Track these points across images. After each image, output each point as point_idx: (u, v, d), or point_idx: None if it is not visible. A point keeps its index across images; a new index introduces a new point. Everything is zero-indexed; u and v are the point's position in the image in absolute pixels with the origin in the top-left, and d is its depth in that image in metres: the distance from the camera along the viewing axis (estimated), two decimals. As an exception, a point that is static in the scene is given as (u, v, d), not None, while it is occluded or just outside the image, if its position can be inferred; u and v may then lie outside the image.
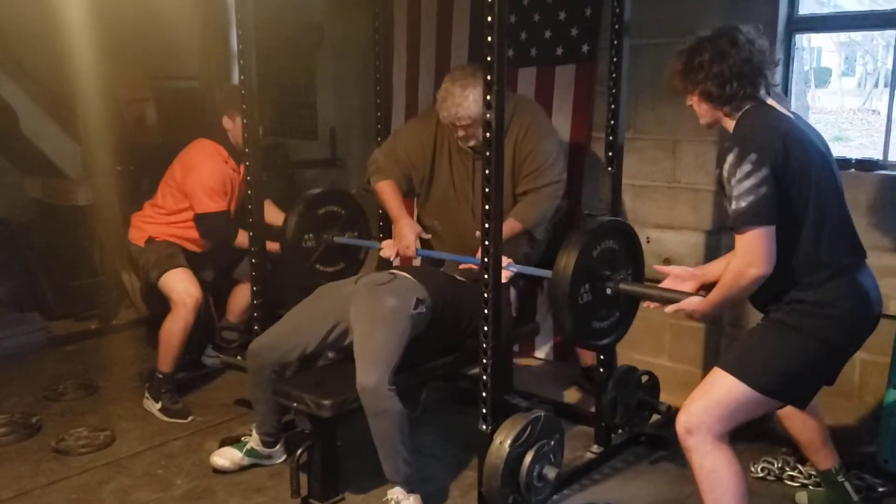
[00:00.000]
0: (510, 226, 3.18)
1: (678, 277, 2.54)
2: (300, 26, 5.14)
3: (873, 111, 9.38)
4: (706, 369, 3.78)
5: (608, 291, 2.67)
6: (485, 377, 2.71)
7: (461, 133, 3.28)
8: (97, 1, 4.00)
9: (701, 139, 3.63)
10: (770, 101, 2.35)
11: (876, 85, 9.96)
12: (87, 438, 3.45)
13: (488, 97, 2.50)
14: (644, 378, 3.29)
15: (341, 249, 3.68)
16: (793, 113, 2.41)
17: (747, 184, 2.17)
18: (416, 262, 3.69)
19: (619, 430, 3.31)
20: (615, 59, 3.04)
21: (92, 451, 3.36)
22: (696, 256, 3.68)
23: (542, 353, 4.28)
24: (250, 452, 3.18)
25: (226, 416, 3.68)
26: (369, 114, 4.30)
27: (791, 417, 2.67)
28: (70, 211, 4.90)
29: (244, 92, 3.27)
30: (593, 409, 3.33)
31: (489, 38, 2.47)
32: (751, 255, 2.20)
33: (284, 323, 3.11)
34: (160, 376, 3.71)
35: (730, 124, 2.37)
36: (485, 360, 2.70)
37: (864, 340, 2.40)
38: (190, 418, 3.65)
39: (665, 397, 3.39)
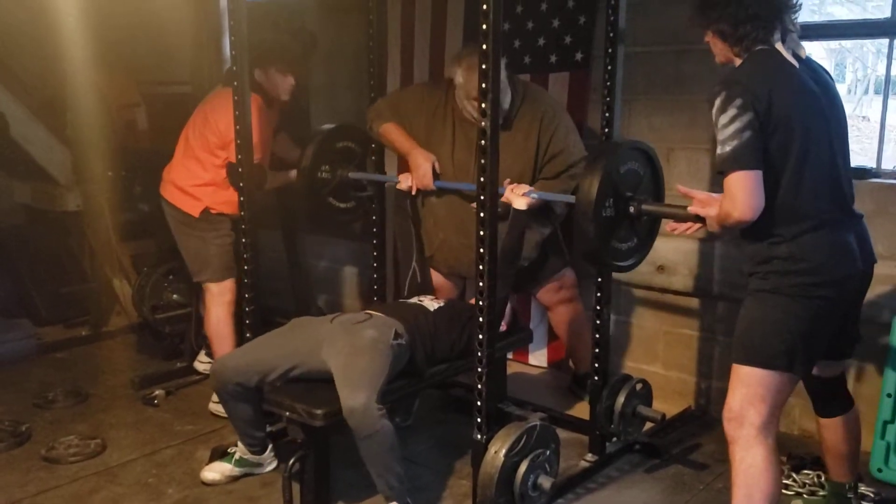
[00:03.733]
0: (540, 186, 3.29)
1: (701, 202, 2.51)
2: (292, 32, 5.11)
3: (864, 118, 9.42)
4: (700, 377, 3.80)
5: (631, 210, 2.74)
6: (479, 386, 2.70)
7: (473, 107, 3.25)
8: (88, 5, 3.98)
9: (694, 147, 3.64)
10: (779, 47, 2.31)
11: (866, 91, 10.01)
12: (77, 447, 3.42)
13: (483, 105, 2.50)
14: (638, 386, 3.29)
15: (355, 187, 3.80)
16: (804, 59, 2.36)
17: (732, 128, 2.18)
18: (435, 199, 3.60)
19: (614, 439, 3.30)
20: (609, 67, 3.04)
21: (82, 459, 3.33)
22: (689, 264, 3.69)
23: (536, 360, 4.27)
24: (240, 462, 3.16)
25: (217, 424, 3.65)
26: (362, 118, 4.29)
27: (828, 427, 2.64)
28: (60, 216, 4.87)
29: (237, 98, 3.25)
30: (588, 418, 3.32)
31: (484, 46, 2.47)
32: (733, 199, 2.20)
33: (252, 349, 3.08)
34: None
35: (737, 65, 2.36)
36: (479, 369, 2.69)
37: (848, 293, 2.36)
38: None
39: (659, 405, 3.38)
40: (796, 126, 2.22)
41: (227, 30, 3.27)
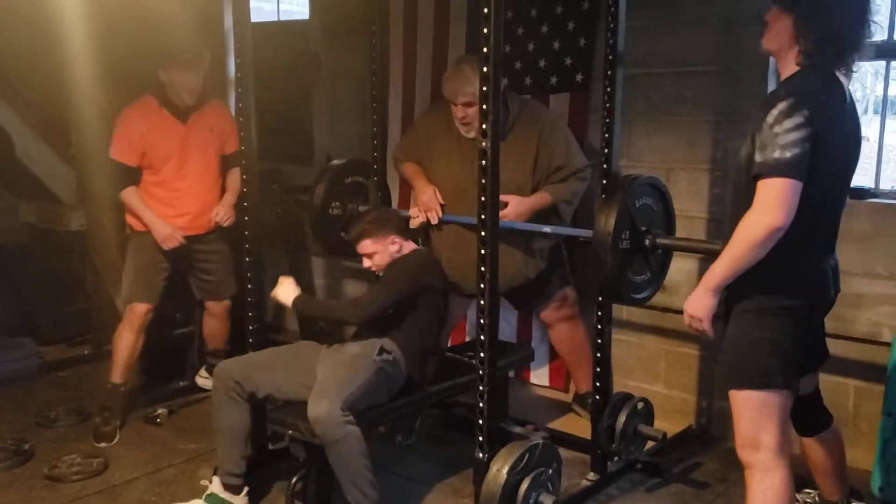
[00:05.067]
0: (540, 196, 3.43)
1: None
2: (297, 54, 5.18)
3: (863, 138, 9.45)
4: (701, 396, 3.80)
5: (646, 243, 2.84)
6: (481, 404, 2.71)
7: (461, 114, 3.40)
8: (92, 23, 4.02)
9: (694, 167, 3.67)
10: (840, 76, 2.27)
11: (865, 112, 10.06)
12: (80, 465, 3.42)
13: (484, 126, 2.54)
14: (639, 405, 3.30)
15: None
16: (849, 94, 2.34)
17: (795, 136, 2.10)
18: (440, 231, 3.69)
19: (616, 458, 3.30)
20: (609, 89, 3.08)
21: (85, 478, 3.34)
22: (690, 283, 3.70)
23: (537, 378, 4.27)
24: (210, 498, 3.02)
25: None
26: (365, 140, 4.33)
27: (812, 446, 2.66)
28: (64, 236, 4.90)
29: (241, 119, 3.28)
30: (589, 437, 3.32)
31: (485, 69, 2.51)
32: (773, 204, 2.12)
33: (261, 355, 3.17)
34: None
35: (789, 66, 2.28)
36: (480, 387, 2.71)
37: (819, 315, 2.42)
38: None
39: (660, 424, 3.39)
40: (828, 159, 2.20)
41: (232, 51, 3.31)
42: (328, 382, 2.82)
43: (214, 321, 4.08)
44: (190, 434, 3.75)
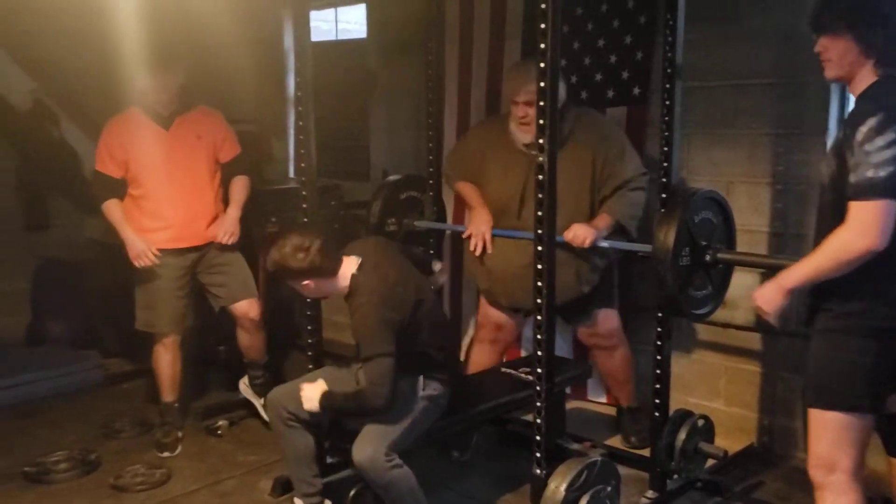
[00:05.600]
0: (603, 220, 3.38)
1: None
2: (355, 73, 5.26)
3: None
4: (763, 414, 3.72)
5: (707, 258, 2.81)
6: (538, 420, 2.70)
7: (521, 113, 3.39)
8: (155, 45, 4.13)
9: (755, 181, 3.61)
10: None
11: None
12: (143, 476, 3.50)
13: (541, 140, 2.54)
14: (700, 422, 3.24)
15: (420, 235, 3.90)
16: None
17: (888, 153, 2.01)
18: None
19: (675, 476, 3.25)
20: (668, 102, 3.05)
21: (148, 488, 3.41)
22: (751, 299, 3.63)
23: (595, 395, 4.23)
24: None
25: (278, 454, 3.69)
26: (420, 156, 4.38)
27: None
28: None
29: (301, 137, 3.34)
30: (648, 454, 3.28)
31: (542, 84, 2.51)
32: (868, 226, 2.04)
33: (309, 378, 3.08)
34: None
35: (864, 82, 2.20)
36: (538, 404, 2.69)
37: None
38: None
39: (721, 442, 3.32)
40: None
41: (292, 69, 3.37)
42: (373, 427, 2.77)
43: (244, 332, 3.92)
44: (250, 446, 3.81)
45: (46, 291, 5.17)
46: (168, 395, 3.87)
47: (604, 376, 3.93)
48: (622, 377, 3.79)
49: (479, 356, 3.90)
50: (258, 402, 3.97)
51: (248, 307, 3.84)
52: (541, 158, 2.53)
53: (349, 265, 2.83)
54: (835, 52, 2.22)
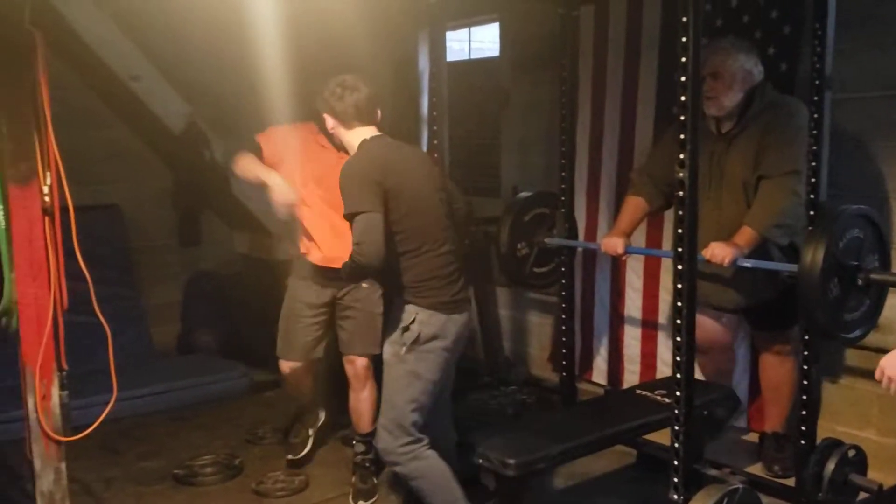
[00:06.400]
0: (744, 235, 3.15)
1: None
2: (487, 90, 5.32)
3: None
4: (922, 446, 3.46)
5: (858, 280, 2.68)
6: (676, 444, 2.62)
7: (706, 86, 3.22)
8: (293, 66, 4.33)
9: (913, 197, 3.39)
10: None
11: None
12: (283, 482, 3.64)
13: (682, 156, 2.48)
14: (850, 452, 3.05)
15: (551, 252, 3.90)
16: None
17: None
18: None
19: (822, 508, 3.07)
20: (816, 115, 2.92)
21: (288, 494, 3.54)
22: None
23: (735, 420, 4.07)
24: None
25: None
26: (551, 172, 4.36)
27: None
28: (272, 265, 5.27)
29: (436, 155, 3.41)
30: (793, 484, 3.12)
31: (682, 98, 2.46)
32: None
33: None
34: None
35: None
36: (676, 427, 2.62)
37: None
38: None
39: (874, 475, 3.12)
40: None
41: (426, 89, 3.45)
42: (382, 407, 2.80)
43: (350, 390, 3.58)
44: (383, 457, 3.88)
45: (197, 303, 5.50)
46: (302, 401, 3.91)
47: (765, 390, 3.70)
48: (784, 391, 3.57)
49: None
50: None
51: (355, 363, 3.52)
52: (681, 174, 2.47)
53: (366, 132, 2.90)
54: None
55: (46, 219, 2.38)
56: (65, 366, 2.48)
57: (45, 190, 2.37)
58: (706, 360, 3.64)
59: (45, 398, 2.41)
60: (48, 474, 2.45)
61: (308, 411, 3.96)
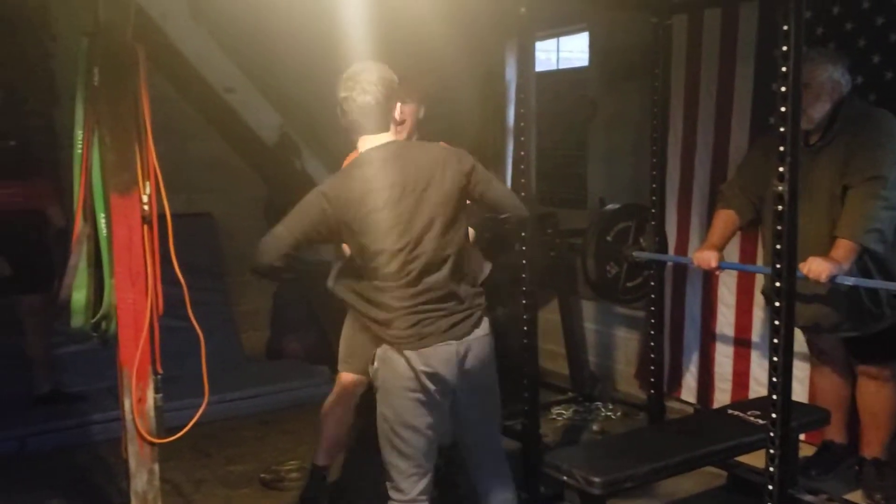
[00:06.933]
0: (842, 248, 2.96)
1: None
2: (574, 101, 5.27)
3: None
4: None
5: None
6: (771, 468, 2.52)
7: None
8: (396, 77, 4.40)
9: None
10: None
11: None
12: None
13: (781, 169, 2.39)
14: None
15: (639, 266, 3.83)
16: None
17: None
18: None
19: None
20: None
21: (369, 502, 3.56)
22: None
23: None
24: None
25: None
26: (639, 184, 4.28)
27: None
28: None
29: (522, 166, 3.37)
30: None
31: (782, 108, 2.37)
32: None
33: None
34: None
35: None
36: (772, 450, 2.52)
37: None
38: None
39: None
40: None
41: (512, 101, 3.42)
42: None
43: None
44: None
45: (285, 310, 5.61)
46: (322, 457, 3.46)
47: (862, 414, 3.51)
48: (882, 418, 3.40)
49: (819, 382, 3.70)
50: None
51: None
52: (780, 188, 2.38)
53: (372, 141, 2.49)
54: None
55: (145, 226, 2.46)
56: (159, 369, 2.55)
57: (145, 199, 2.45)
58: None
59: (140, 401, 2.48)
60: (142, 474, 2.52)
61: (318, 485, 3.45)
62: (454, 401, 2.52)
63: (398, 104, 2.57)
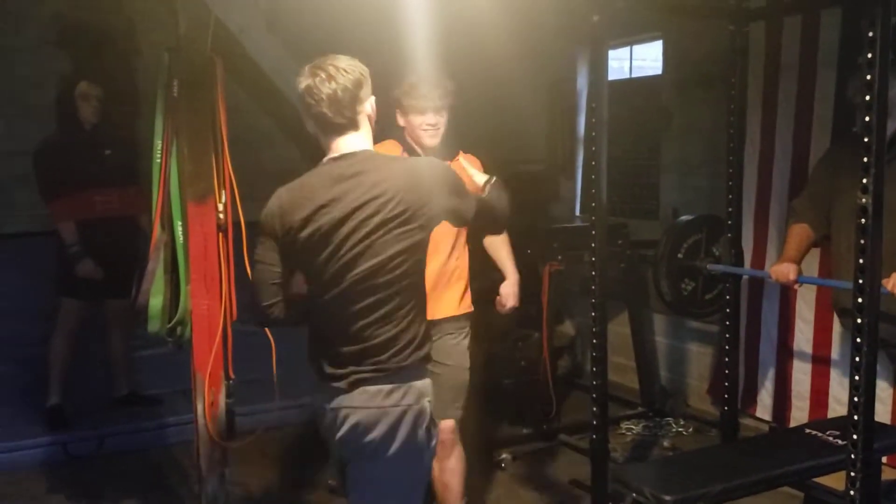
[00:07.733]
0: None
1: None
2: (647, 110, 5.19)
3: None
4: None
5: None
6: (852, 492, 2.41)
7: None
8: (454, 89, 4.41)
9: None
10: None
11: None
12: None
13: (865, 181, 2.30)
14: None
15: (713, 279, 3.72)
16: None
17: None
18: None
19: None
20: None
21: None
22: None
23: (915, 468, 3.72)
24: None
25: (561, 494, 3.67)
26: (714, 195, 4.17)
27: None
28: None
29: (594, 176, 3.32)
30: None
31: (867, 118, 2.28)
32: None
33: None
34: None
35: None
36: (852, 473, 2.41)
37: None
38: None
39: None
40: None
41: (582, 109, 3.38)
42: None
43: (435, 461, 2.59)
44: (532, 481, 3.83)
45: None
46: None
47: None
48: None
49: None
50: None
51: (439, 428, 2.52)
52: (864, 200, 2.28)
53: (364, 142, 2.17)
54: None
55: (220, 234, 2.52)
56: (231, 375, 2.60)
57: (220, 207, 2.50)
58: None
59: (212, 405, 2.53)
60: (213, 477, 2.58)
61: None
62: None
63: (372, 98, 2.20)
